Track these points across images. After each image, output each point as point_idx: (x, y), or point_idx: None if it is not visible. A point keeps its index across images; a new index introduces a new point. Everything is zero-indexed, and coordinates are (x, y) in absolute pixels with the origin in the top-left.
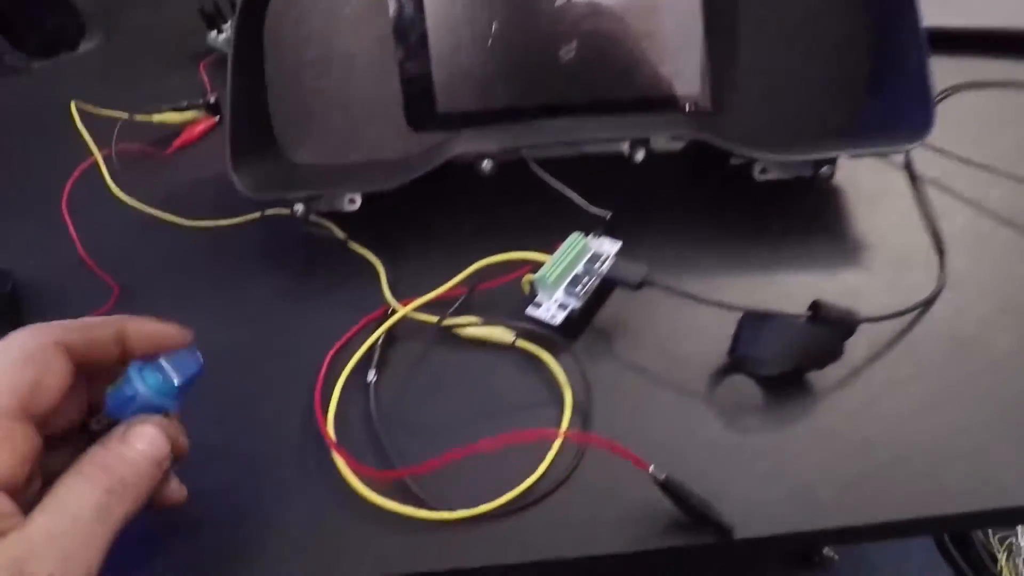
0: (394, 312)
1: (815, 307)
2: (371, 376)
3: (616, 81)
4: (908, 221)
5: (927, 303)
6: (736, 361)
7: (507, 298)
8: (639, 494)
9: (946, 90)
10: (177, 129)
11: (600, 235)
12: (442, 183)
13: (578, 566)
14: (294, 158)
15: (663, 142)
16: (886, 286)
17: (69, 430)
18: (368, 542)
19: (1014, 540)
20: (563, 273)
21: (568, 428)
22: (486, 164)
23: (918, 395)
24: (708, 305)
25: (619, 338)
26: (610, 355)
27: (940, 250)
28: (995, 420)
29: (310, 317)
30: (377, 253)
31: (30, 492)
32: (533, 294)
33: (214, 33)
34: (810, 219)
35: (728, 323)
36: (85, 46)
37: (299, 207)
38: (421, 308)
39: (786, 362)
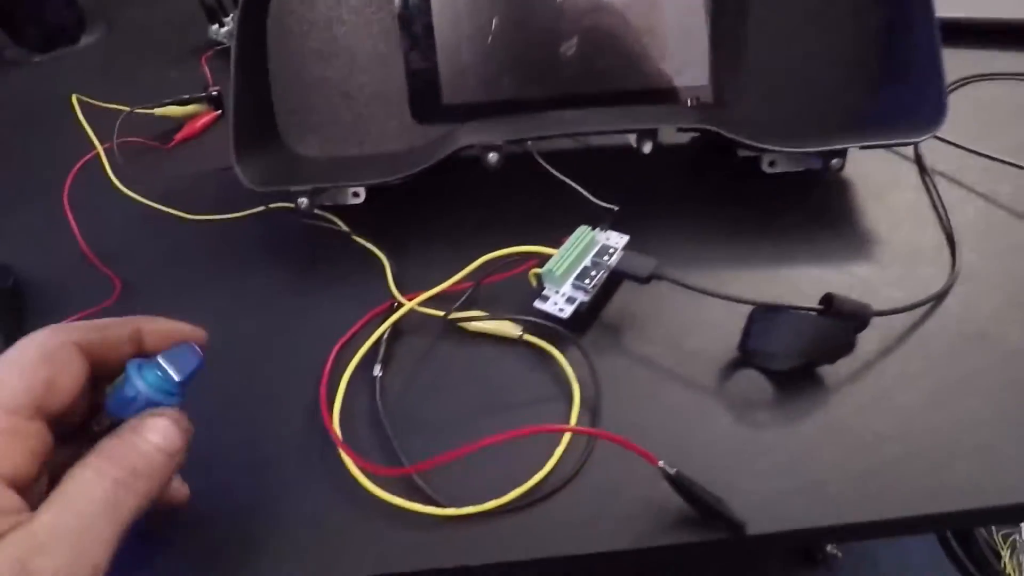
0: (400, 306)
1: (828, 300)
2: (377, 371)
3: (622, 73)
4: (918, 214)
5: (939, 297)
6: (746, 355)
7: (513, 292)
8: (648, 490)
9: (956, 82)
10: (179, 122)
11: (607, 228)
12: (447, 176)
13: (587, 563)
14: (298, 151)
15: (670, 135)
16: (896, 279)
17: (75, 429)
18: (374, 538)
19: (1018, 536)
20: (571, 266)
21: (576, 423)
22: (492, 157)
23: (929, 389)
24: (717, 299)
25: (627, 332)
26: (618, 349)
27: (951, 243)
28: (1007, 415)
29: (314, 312)
30: (381, 247)
31: (37, 489)
32: (540, 288)
33: (215, 26)
34: (819, 212)
35: (738, 317)
36: (86, 40)
37: (303, 200)
38: (427, 302)
39: (797, 356)
